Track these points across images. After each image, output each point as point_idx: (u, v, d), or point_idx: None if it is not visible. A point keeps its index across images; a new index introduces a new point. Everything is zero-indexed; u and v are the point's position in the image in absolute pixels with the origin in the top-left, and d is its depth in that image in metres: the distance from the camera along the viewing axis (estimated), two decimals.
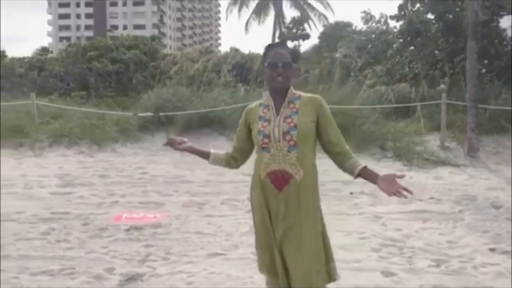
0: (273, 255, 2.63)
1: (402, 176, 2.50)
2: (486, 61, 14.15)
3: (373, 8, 32.12)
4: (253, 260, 4.38)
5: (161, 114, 11.33)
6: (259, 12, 35.01)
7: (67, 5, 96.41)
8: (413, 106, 11.64)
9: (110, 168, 8.80)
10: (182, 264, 4.31)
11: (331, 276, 2.70)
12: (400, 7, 15.93)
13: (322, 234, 2.66)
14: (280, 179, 2.56)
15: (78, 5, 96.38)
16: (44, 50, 34.51)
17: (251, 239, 4.90)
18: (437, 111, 11.10)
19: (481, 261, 4.27)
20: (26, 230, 5.32)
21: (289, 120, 2.56)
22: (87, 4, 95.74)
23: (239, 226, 5.32)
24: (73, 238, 5.05)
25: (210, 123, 11.48)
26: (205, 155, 2.84)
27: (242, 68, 17.76)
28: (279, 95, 2.63)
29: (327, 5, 35.08)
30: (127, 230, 5.27)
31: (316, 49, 24.50)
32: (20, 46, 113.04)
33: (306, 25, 39.72)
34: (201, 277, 4.04)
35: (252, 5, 35.11)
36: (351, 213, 5.89)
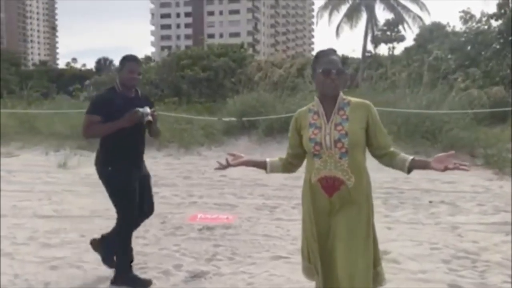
0: (317, 258, 2.71)
1: (451, 154, 2.48)
2: None
3: (473, 7, 29.98)
4: None
5: (244, 119, 11.64)
6: (351, 15, 34.48)
7: (168, 16, 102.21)
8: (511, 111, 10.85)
9: (194, 170, 9.23)
10: (245, 265, 4.43)
11: (378, 280, 2.71)
12: (500, 5, 14.93)
13: (373, 239, 2.68)
14: (331, 186, 2.61)
15: (178, 15, 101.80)
16: (148, 59, 36.91)
17: None
18: None
19: None
20: (111, 226, 5.74)
21: (339, 127, 2.60)
22: (186, 15, 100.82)
23: None
24: (150, 235, 5.39)
25: None
26: (262, 165, 2.89)
27: None
28: (329, 101, 2.67)
29: (423, 6, 33.63)
30: (200, 229, 5.52)
31: (406, 51, 23.62)
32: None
33: (400, 27, 38.45)
34: (261, 278, 4.13)
35: (343, 9, 34.73)
36: (426, 222, 5.64)
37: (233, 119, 11.72)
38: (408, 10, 34.37)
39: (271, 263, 4.46)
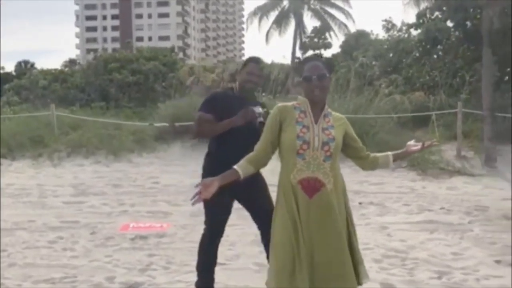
0: (294, 263, 2.60)
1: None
2: (508, 69, 13.91)
3: (394, 16, 31.75)
4: (254, 270, 4.40)
5: (176, 124, 11.46)
6: (280, 22, 35.15)
7: (94, 18, 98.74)
8: (431, 115, 11.50)
9: (124, 178, 8.94)
10: (182, 274, 4.34)
11: (360, 278, 2.75)
12: (419, 15, 15.82)
13: (353, 238, 2.76)
14: (312, 187, 2.63)
15: (104, 17, 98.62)
16: (72, 62, 35.39)
17: (254, 249, 4.93)
18: (455, 120, 10.94)
19: (484, 274, 4.17)
20: (35, 238, 5.44)
21: (327, 132, 2.66)
22: (114, 17, 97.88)
23: (243, 236, 5.33)
24: (79, 246, 5.14)
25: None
26: (233, 176, 2.71)
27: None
28: (316, 106, 2.70)
29: (348, 14, 35.01)
30: (132, 239, 5.34)
31: (333, 58, 24.45)
32: (50, 59, 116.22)
33: (327, 35, 39.67)
34: None
35: (273, 15, 35.32)
36: (357, 223, 5.77)
37: (165, 124, 11.50)
38: (334, 18, 35.61)
39: None
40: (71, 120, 12.46)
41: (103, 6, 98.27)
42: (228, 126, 3.41)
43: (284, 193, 2.69)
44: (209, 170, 3.54)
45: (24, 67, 42.93)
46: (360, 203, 6.75)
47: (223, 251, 4.89)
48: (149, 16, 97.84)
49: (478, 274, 4.18)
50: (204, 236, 3.83)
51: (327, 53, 42.06)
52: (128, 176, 9.09)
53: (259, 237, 5.21)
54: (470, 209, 6.31)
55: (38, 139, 11.13)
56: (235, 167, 2.73)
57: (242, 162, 2.76)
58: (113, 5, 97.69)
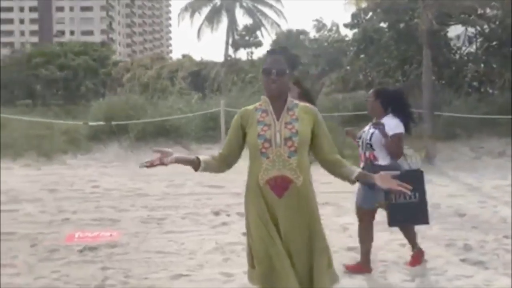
0: (272, 266, 2.52)
1: (396, 173, 2.58)
2: (436, 69, 14.55)
3: (325, 16, 32.46)
4: (222, 281, 4.11)
5: (113, 123, 10.85)
6: (212, 19, 34.76)
7: (10, 9, 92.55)
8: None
9: (60, 182, 8.27)
10: None
11: (333, 279, 2.66)
12: (354, 16, 16.17)
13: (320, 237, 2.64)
14: (280, 185, 2.54)
15: (22, 9, 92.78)
16: None
17: (218, 257, 4.65)
18: None
19: (454, 274, 4.18)
20: None
21: (290, 126, 2.57)
22: (32, 9, 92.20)
23: (203, 243, 5.02)
24: (20, 262, 4.59)
25: (165, 132, 11.15)
26: (193, 163, 2.63)
27: (196, 75, 17.48)
28: (277, 101, 2.61)
29: (280, 13, 35.33)
30: (81, 251, 4.85)
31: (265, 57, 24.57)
32: None
33: (258, 33, 39.75)
34: None
35: (205, 11, 34.85)
36: None
37: (101, 123, 10.84)
38: (266, 16, 35.80)
39: (172, 283, 4.07)
40: None
41: None
42: None
43: (252, 195, 2.62)
44: None
45: None
46: None
47: (184, 261, 4.59)
48: (71, 9, 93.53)
49: (448, 274, 4.18)
50: None
51: (257, 52, 42.16)
52: (64, 179, 8.42)
53: (220, 244, 4.97)
54: None
55: None
56: (200, 157, 2.63)
57: (208, 157, 2.67)
58: None
